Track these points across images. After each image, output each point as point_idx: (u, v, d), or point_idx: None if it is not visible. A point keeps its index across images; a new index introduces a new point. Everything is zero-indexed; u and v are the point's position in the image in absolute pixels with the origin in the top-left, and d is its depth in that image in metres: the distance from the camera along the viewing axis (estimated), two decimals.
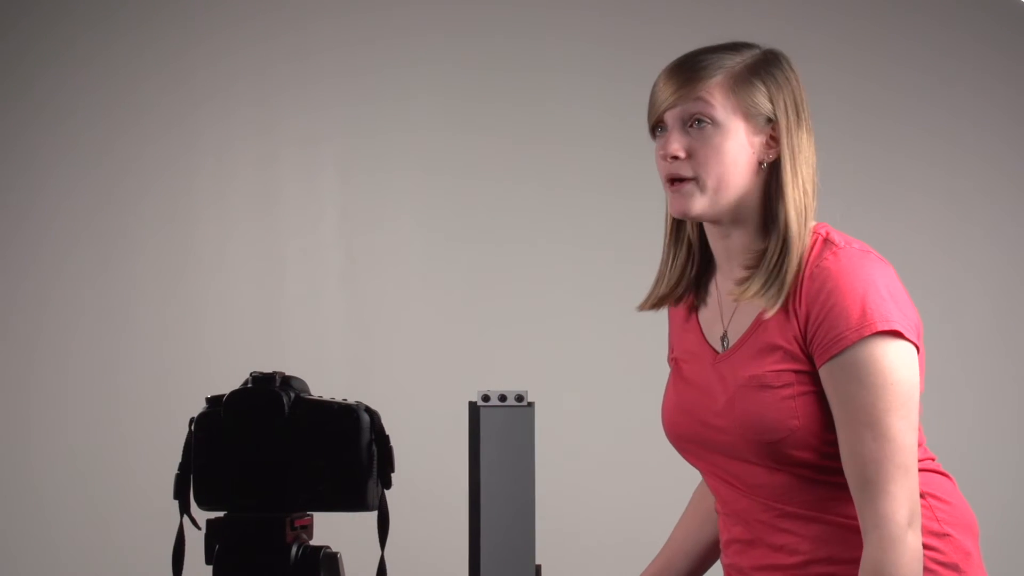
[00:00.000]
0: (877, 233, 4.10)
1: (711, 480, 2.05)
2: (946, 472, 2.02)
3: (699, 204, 1.96)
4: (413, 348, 4.04)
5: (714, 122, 1.94)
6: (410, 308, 4.06)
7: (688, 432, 2.04)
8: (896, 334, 1.87)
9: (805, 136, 1.98)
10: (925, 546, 1.91)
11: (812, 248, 1.95)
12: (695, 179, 1.95)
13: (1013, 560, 4.14)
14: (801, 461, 1.92)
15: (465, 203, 4.08)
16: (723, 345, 2.02)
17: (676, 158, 1.95)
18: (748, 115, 1.95)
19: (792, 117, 1.97)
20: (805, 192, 1.97)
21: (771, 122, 1.97)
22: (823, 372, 1.89)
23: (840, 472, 1.91)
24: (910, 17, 4.20)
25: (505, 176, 4.09)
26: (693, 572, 2.23)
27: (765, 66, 1.98)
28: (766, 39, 2.05)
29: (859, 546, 1.89)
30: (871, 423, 1.85)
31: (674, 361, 2.13)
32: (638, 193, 3.80)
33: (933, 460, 2.01)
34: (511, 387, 1.84)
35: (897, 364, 1.87)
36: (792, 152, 1.97)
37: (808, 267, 1.93)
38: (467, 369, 4.00)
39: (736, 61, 1.97)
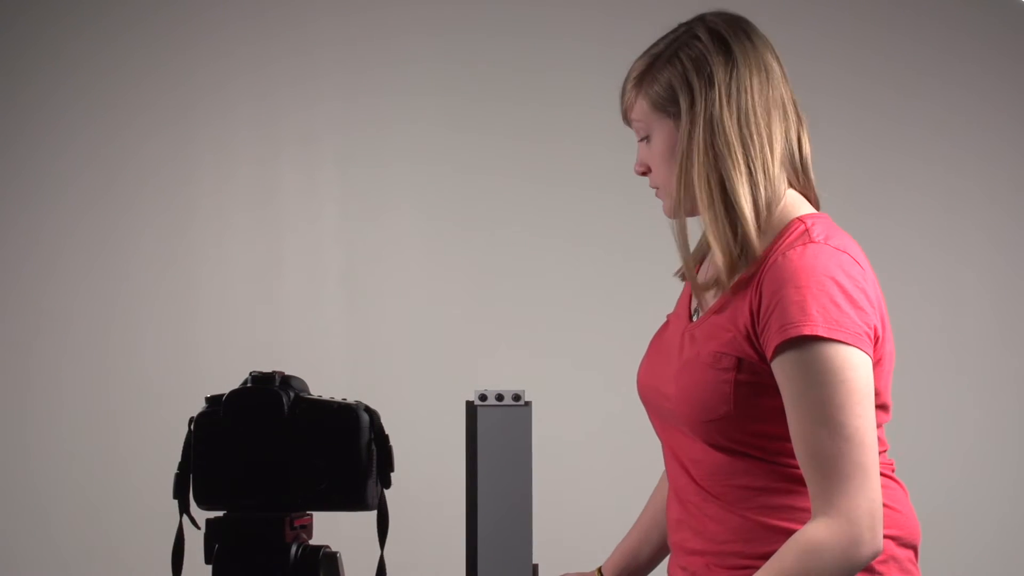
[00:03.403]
0: (877, 233, 4.12)
1: (665, 451, 2.05)
2: (899, 480, 1.98)
3: (669, 208, 1.99)
4: (412, 347, 4.05)
5: (648, 135, 1.97)
6: (409, 306, 4.06)
7: (647, 395, 2.04)
8: (841, 342, 1.81)
9: (723, 102, 1.91)
10: None
11: (786, 236, 1.90)
12: (657, 187, 2.00)
13: (1013, 560, 4.15)
14: (731, 447, 1.91)
15: (464, 201, 4.08)
16: (695, 316, 2.02)
17: (643, 174, 2.01)
18: (667, 112, 1.94)
19: (701, 91, 1.91)
20: (730, 162, 1.90)
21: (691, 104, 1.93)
22: (773, 367, 1.85)
23: (771, 463, 1.90)
24: (910, 16, 4.20)
25: (504, 174, 4.09)
26: (655, 555, 2.23)
27: (672, 48, 1.94)
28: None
29: (775, 542, 1.88)
30: (824, 420, 1.81)
31: (667, 317, 2.12)
32: (637, 192, 3.79)
33: (888, 465, 1.97)
34: (508, 386, 1.84)
35: (845, 364, 1.82)
36: (703, 128, 1.90)
37: (775, 254, 1.88)
38: (465, 368, 4.00)
39: (642, 62, 1.97)
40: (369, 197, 4.07)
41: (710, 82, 1.91)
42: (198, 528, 1.82)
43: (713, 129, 1.91)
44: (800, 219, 1.93)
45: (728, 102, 1.91)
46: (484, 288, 4.07)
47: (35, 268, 4.00)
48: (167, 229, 4.02)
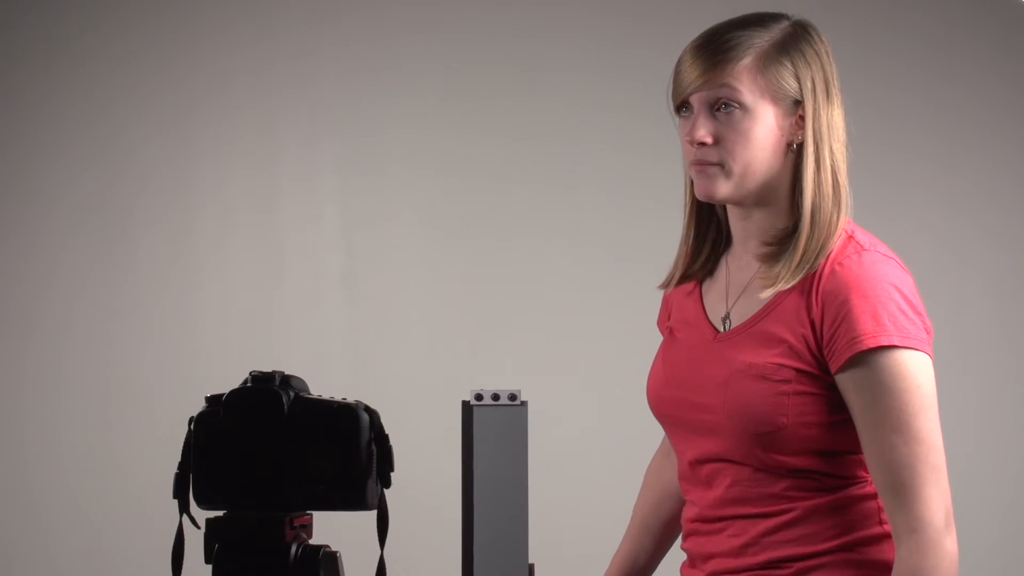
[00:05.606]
0: (878, 232, 4.11)
1: (682, 462, 2.03)
2: None
3: (724, 188, 1.92)
4: (411, 346, 4.05)
5: (742, 107, 1.89)
6: (408, 306, 4.06)
7: (672, 408, 2.02)
8: (912, 348, 1.85)
9: (836, 114, 1.95)
10: (863, 542, 1.92)
11: (836, 244, 1.91)
12: (720, 164, 1.92)
13: (1013, 560, 4.15)
14: (778, 462, 1.91)
15: (462, 202, 4.08)
16: (725, 325, 1.99)
17: (703, 144, 1.91)
18: (776, 98, 1.91)
19: (820, 96, 1.94)
20: (834, 174, 1.93)
21: (800, 103, 1.93)
22: (841, 379, 1.86)
23: (805, 472, 1.90)
24: (910, 16, 4.20)
25: (503, 175, 4.09)
26: (659, 547, 2.23)
27: (794, 42, 1.94)
28: None
29: (799, 546, 1.90)
30: (899, 427, 1.84)
31: (668, 329, 2.10)
32: (635, 192, 3.81)
33: None
34: (504, 386, 1.84)
35: (917, 370, 1.85)
36: (817, 134, 1.93)
37: (829, 263, 1.89)
38: (465, 368, 4.00)
39: (764, 39, 1.91)
40: (369, 198, 4.07)
41: (827, 94, 1.95)
42: (198, 528, 1.82)
43: (824, 141, 1.94)
44: (841, 226, 1.94)
45: (840, 121, 1.97)
46: (483, 288, 4.07)
47: (34, 268, 4.01)
48: (167, 230, 4.03)
